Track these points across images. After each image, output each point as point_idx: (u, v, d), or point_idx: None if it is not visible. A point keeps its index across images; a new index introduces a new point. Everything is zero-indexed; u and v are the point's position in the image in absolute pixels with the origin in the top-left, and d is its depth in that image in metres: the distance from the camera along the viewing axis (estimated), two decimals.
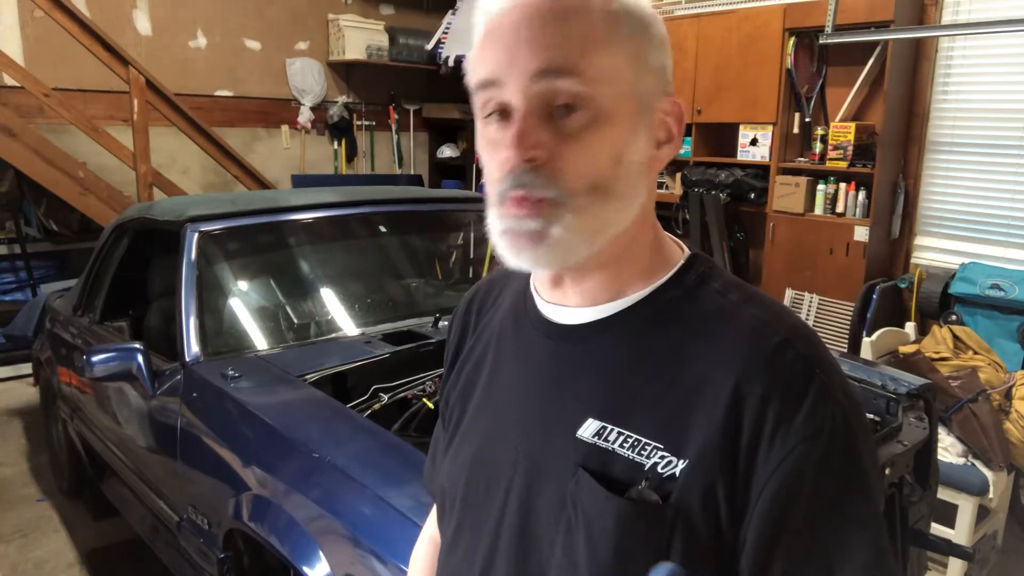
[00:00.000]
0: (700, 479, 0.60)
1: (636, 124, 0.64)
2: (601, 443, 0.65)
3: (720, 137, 4.71)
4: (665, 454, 0.61)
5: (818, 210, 4.17)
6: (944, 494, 2.48)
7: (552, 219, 0.62)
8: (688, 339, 0.65)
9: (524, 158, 0.61)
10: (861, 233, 3.99)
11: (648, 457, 0.62)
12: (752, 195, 4.43)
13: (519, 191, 0.62)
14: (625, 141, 0.63)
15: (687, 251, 0.73)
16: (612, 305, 0.68)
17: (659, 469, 0.61)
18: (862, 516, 0.60)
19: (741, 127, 4.46)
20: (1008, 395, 2.79)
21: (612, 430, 0.64)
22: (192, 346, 2.16)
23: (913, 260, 4.14)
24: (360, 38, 6.12)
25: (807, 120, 4.32)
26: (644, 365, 0.65)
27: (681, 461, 0.61)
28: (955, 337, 3.00)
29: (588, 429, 0.66)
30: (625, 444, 0.63)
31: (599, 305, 0.69)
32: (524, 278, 0.79)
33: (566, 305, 0.71)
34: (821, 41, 3.99)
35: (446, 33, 6.16)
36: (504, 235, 0.64)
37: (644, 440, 0.63)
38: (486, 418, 0.77)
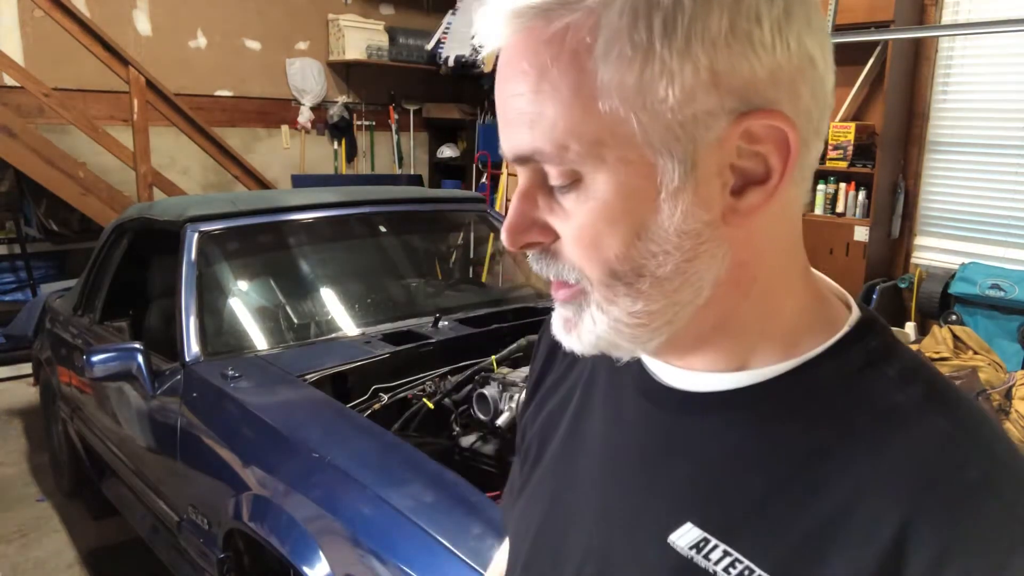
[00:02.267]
0: None
1: (662, 184, 0.45)
2: (699, 559, 0.49)
3: None
4: None
5: (818, 210, 4.17)
6: None
7: (583, 307, 0.50)
8: (839, 442, 0.47)
9: (516, 246, 0.50)
10: (861, 233, 3.99)
11: None
12: None
13: (546, 275, 0.51)
14: (646, 211, 0.45)
15: (856, 313, 0.52)
16: (737, 376, 0.51)
17: None
18: None
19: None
20: (1008, 395, 2.79)
21: (717, 546, 0.48)
22: (192, 346, 2.16)
23: (913, 260, 4.14)
24: (360, 38, 6.12)
25: None
26: (771, 465, 0.48)
27: None
28: (955, 337, 3.00)
29: (685, 537, 0.50)
30: (731, 570, 0.47)
31: (720, 372, 0.51)
32: None
33: (676, 364, 0.54)
34: None
35: (446, 33, 6.16)
36: (552, 320, 0.53)
37: (758, 571, 0.46)
38: (561, 477, 0.62)
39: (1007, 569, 0.41)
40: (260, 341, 2.28)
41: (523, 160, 0.48)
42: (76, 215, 4.94)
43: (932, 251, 4.10)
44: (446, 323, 2.35)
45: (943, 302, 3.80)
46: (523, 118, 0.46)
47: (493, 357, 2.00)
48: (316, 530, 1.51)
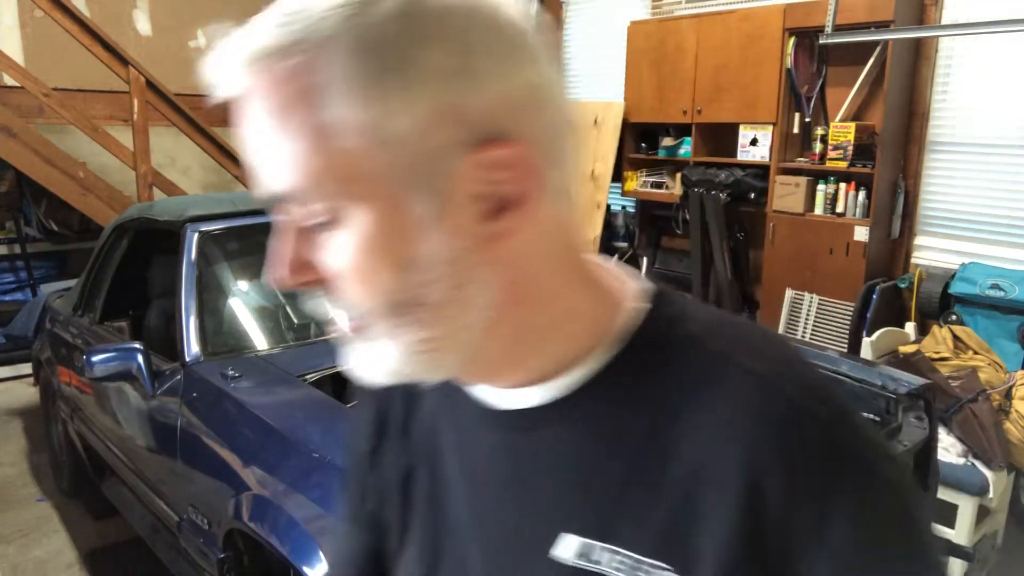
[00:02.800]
0: None
1: (416, 215, 0.45)
2: (588, 565, 0.50)
3: (720, 137, 4.71)
4: (671, 575, 0.48)
5: (818, 210, 4.17)
6: (944, 494, 2.48)
7: (371, 341, 0.49)
8: (670, 416, 0.50)
9: (287, 288, 0.49)
10: (861, 233, 3.99)
11: None
12: (752, 195, 4.43)
13: (330, 313, 0.51)
14: (403, 244, 0.46)
15: (646, 287, 0.55)
16: (558, 383, 0.52)
17: None
18: (920, 556, 0.49)
19: (741, 127, 4.47)
20: (1008, 395, 2.79)
21: (597, 547, 0.50)
22: (192, 346, 2.16)
23: (913, 260, 4.14)
24: None
25: (807, 120, 4.32)
26: (619, 456, 0.51)
27: None
28: (955, 337, 3.00)
29: (567, 548, 0.51)
30: (620, 566, 0.50)
31: (548, 381, 0.53)
32: None
33: (501, 386, 0.55)
34: (821, 41, 3.99)
35: None
36: (349, 355, 0.53)
37: (643, 560, 0.49)
38: (437, 527, 0.62)
39: (843, 473, 0.47)
40: (260, 341, 2.28)
41: (278, 201, 0.48)
42: (76, 215, 4.94)
43: (932, 251, 4.09)
44: None
45: (943, 302, 3.80)
46: (269, 161, 0.46)
47: None
48: (316, 530, 1.51)
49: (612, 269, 0.56)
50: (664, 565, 0.48)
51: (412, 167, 0.44)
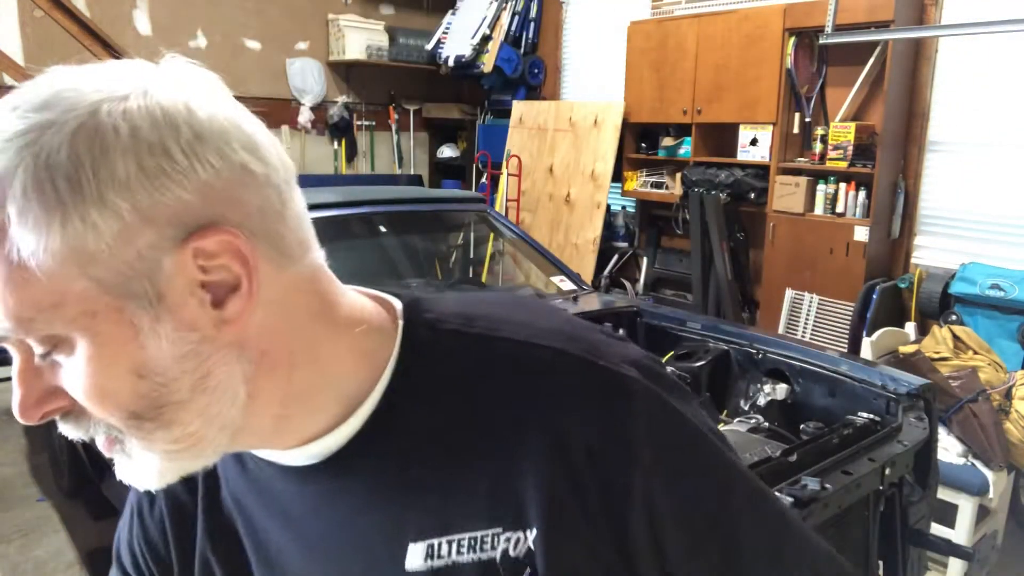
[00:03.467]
0: (561, 536, 0.53)
1: (138, 323, 0.45)
2: (438, 563, 0.54)
3: (720, 137, 4.71)
4: (510, 534, 0.53)
5: (818, 210, 4.17)
6: (944, 494, 2.48)
7: (130, 453, 0.49)
8: (461, 408, 0.54)
9: (35, 420, 0.48)
10: (861, 233, 3.99)
11: (494, 547, 0.53)
12: (752, 195, 4.43)
13: (85, 437, 0.50)
14: (132, 353, 0.45)
15: (399, 303, 0.59)
16: (354, 421, 0.55)
17: (511, 553, 0.53)
18: (723, 467, 0.58)
19: (741, 127, 4.47)
20: (1008, 395, 2.79)
21: (440, 542, 0.54)
22: None
23: (913, 260, 4.14)
24: (360, 38, 6.12)
25: (807, 120, 4.32)
26: (432, 461, 0.54)
27: (529, 531, 0.53)
28: (955, 337, 3.00)
29: (415, 556, 0.55)
30: (463, 548, 0.54)
31: (340, 426, 0.55)
32: None
33: (292, 445, 0.56)
34: (821, 41, 3.99)
35: (446, 33, 6.16)
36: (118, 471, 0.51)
37: (481, 533, 0.54)
38: None
39: (612, 398, 0.54)
40: None
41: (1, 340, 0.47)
42: None
43: (932, 251, 4.10)
44: None
45: (943, 302, 3.80)
46: None
47: None
48: None
49: (369, 294, 0.59)
50: (498, 529, 0.53)
51: (120, 277, 0.44)
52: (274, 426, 0.53)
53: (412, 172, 6.75)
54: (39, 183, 0.42)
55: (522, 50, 5.99)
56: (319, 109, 6.26)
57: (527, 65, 5.98)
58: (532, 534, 0.53)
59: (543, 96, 6.04)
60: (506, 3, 5.89)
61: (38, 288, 0.43)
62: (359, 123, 6.51)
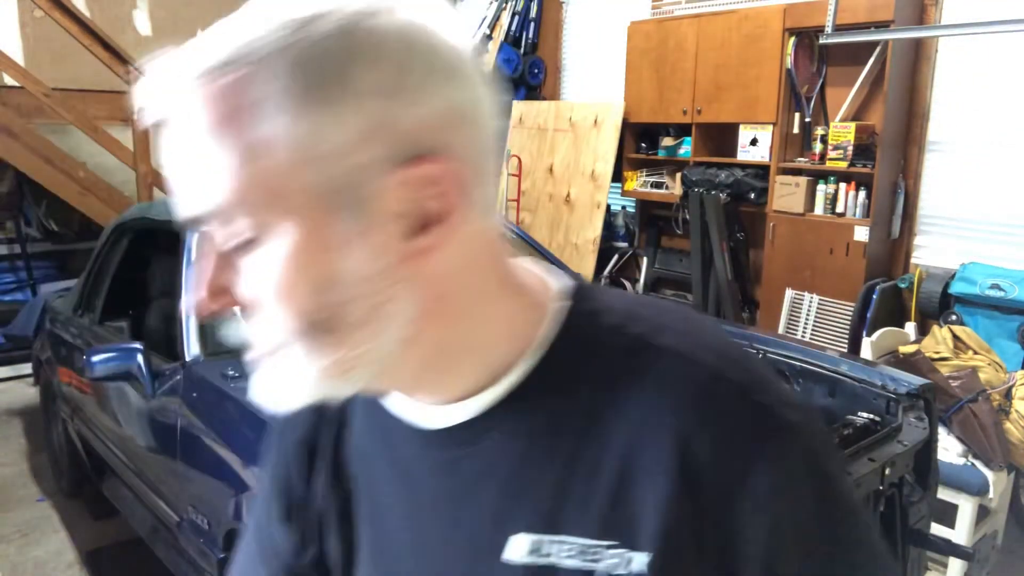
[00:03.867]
0: (672, 566, 0.50)
1: (339, 232, 0.46)
2: (539, 560, 0.52)
3: (720, 137, 4.71)
4: (620, 551, 0.50)
5: (818, 210, 4.17)
6: (944, 494, 2.48)
7: (286, 363, 0.49)
8: (601, 405, 0.52)
9: (205, 313, 0.49)
10: (861, 233, 3.99)
11: (600, 560, 0.51)
12: (752, 195, 4.43)
13: (245, 338, 0.51)
14: (324, 263, 0.46)
15: (565, 285, 0.57)
16: (494, 392, 0.53)
17: (616, 571, 0.50)
18: (855, 535, 0.54)
19: (741, 127, 4.47)
20: (1008, 395, 2.79)
21: (548, 541, 0.52)
22: (192, 346, 2.16)
23: (913, 260, 4.14)
24: None
25: (807, 120, 4.32)
26: (558, 453, 0.52)
27: (642, 554, 0.50)
28: (955, 337, 3.00)
29: (518, 548, 0.53)
30: (569, 553, 0.51)
31: (478, 394, 0.54)
32: None
33: (429, 402, 0.56)
34: (821, 41, 3.99)
35: None
36: (255, 377, 0.52)
37: (591, 543, 0.51)
38: (384, 556, 0.61)
39: (763, 435, 0.50)
40: None
41: (198, 222, 0.48)
42: (76, 215, 4.94)
43: (932, 251, 4.10)
44: None
45: (943, 302, 3.80)
46: (193, 180, 0.46)
47: None
48: None
49: (534, 270, 0.57)
50: (611, 542, 0.50)
51: (339, 184, 0.45)
52: (416, 376, 0.53)
53: None
54: (296, 73, 0.43)
55: (522, 50, 5.99)
56: None
57: (527, 65, 5.98)
58: (644, 558, 0.50)
59: (543, 96, 6.04)
60: (506, 3, 5.89)
61: (266, 174, 0.44)
62: None
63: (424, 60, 0.45)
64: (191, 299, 0.49)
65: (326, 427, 0.65)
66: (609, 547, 0.50)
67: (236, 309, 0.49)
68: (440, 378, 0.53)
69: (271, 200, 0.45)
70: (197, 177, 0.46)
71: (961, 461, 2.61)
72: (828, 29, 3.86)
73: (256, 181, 0.44)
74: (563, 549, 0.51)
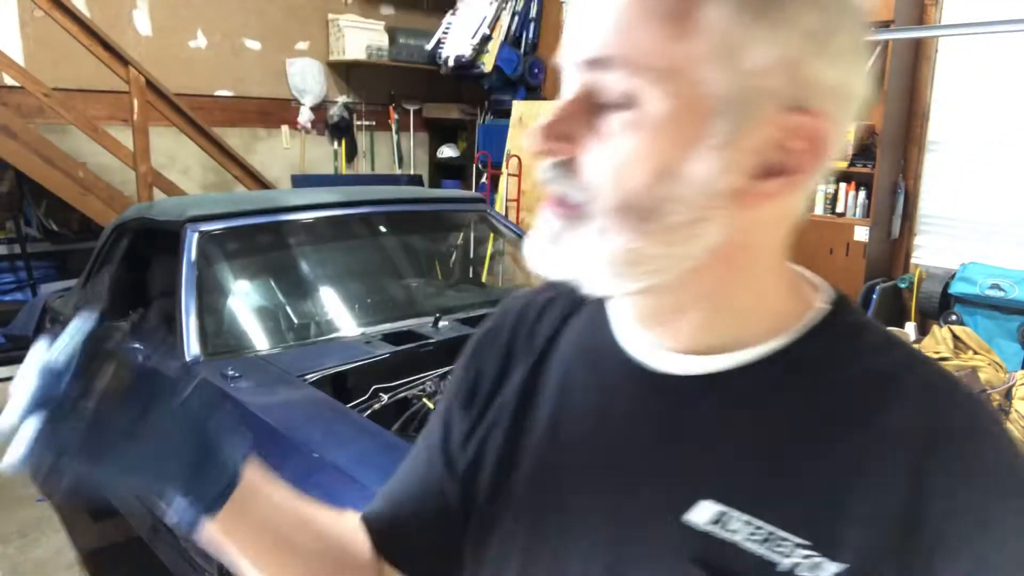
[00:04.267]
0: None
1: (707, 136, 0.46)
2: (720, 532, 0.50)
3: None
4: (811, 553, 0.48)
5: (818, 210, 4.17)
6: None
7: (577, 228, 0.49)
8: (839, 408, 0.51)
9: (541, 149, 0.50)
10: (861, 233, 3.99)
11: (786, 555, 0.48)
12: None
13: (551, 187, 0.51)
14: (681, 156, 0.46)
15: (830, 293, 0.57)
16: (732, 356, 0.53)
17: (803, 572, 0.48)
18: None
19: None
20: (1008, 395, 2.79)
21: (735, 517, 0.50)
22: (192, 346, 2.16)
23: (913, 260, 4.14)
24: (360, 38, 6.11)
25: None
26: (781, 436, 0.51)
27: (834, 564, 0.47)
28: (955, 337, 3.00)
29: (702, 513, 0.51)
30: (755, 536, 0.49)
31: (714, 354, 0.53)
32: (594, 301, 0.62)
33: (666, 346, 0.55)
34: None
35: (446, 33, 6.16)
36: (529, 233, 0.53)
37: (781, 533, 0.48)
38: (553, 480, 0.60)
39: (1008, 492, 0.47)
40: (260, 341, 2.28)
41: (592, 65, 0.48)
42: (76, 215, 4.94)
43: (932, 251, 4.10)
44: (446, 323, 2.35)
45: (943, 302, 3.80)
46: (613, 23, 0.47)
47: None
48: None
49: (803, 272, 0.59)
50: (804, 541, 0.48)
51: (735, 94, 0.46)
52: (675, 311, 0.53)
53: (412, 172, 6.75)
54: None
55: (522, 50, 5.99)
56: (319, 109, 6.26)
57: (527, 65, 5.98)
58: (835, 568, 0.47)
59: (543, 96, 6.04)
60: (506, 3, 5.89)
61: (678, 51, 0.45)
62: (359, 123, 6.51)
63: (851, 29, 0.47)
64: (536, 128, 0.50)
65: (530, 337, 0.65)
66: (801, 545, 0.48)
67: (564, 158, 0.50)
68: (694, 321, 0.53)
69: (669, 76, 0.45)
70: (620, 20, 0.46)
71: None
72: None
73: (668, 55, 0.45)
74: (749, 530, 0.49)
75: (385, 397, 1.97)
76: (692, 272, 0.50)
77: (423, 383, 2.02)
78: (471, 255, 3.32)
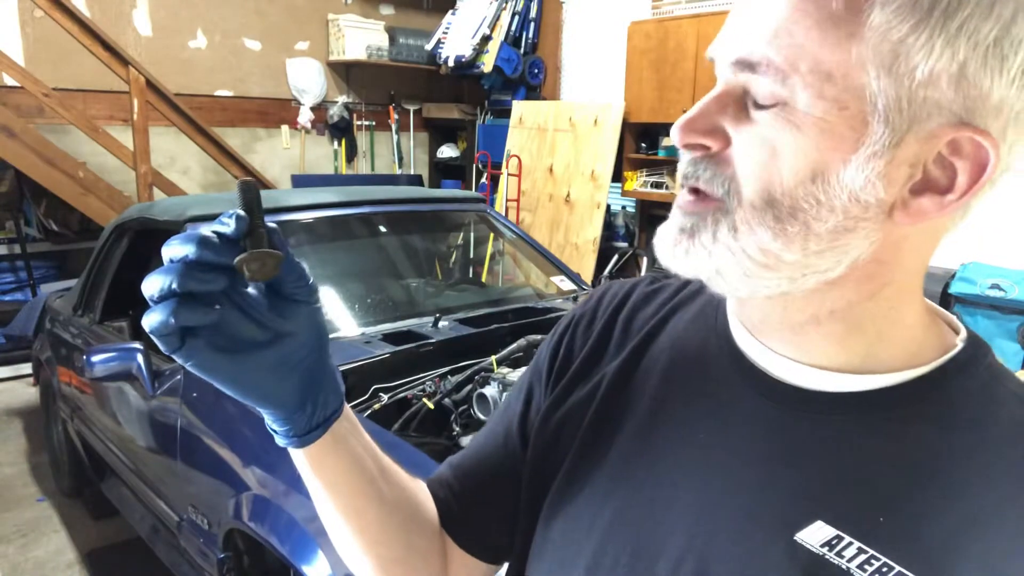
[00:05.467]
0: None
1: (865, 142, 0.44)
2: (832, 557, 0.48)
3: None
4: None
5: None
6: None
7: (712, 223, 0.49)
8: (976, 448, 0.48)
9: (684, 142, 0.49)
10: None
11: None
12: None
13: (689, 181, 0.50)
14: (834, 160, 0.45)
15: (964, 332, 0.55)
16: (867, 379, 0.51)
17: None
18: None
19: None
20: None
21: (851, 544, 0.48)
22: None
23: None
24: (360, 38, 6.12)
25: None
26: (907, 467, 0.49)
27: None
28: None
29: (815, 535, 0.49)
30: (867, 567, 0.47)
31: (850, 372, 0.51)
32: (712, 299, 0.61)
33: (790, 357, 0.53)
34: None
35: (446, 33, 6.16)
36: (661, 227, 0.52)
37: (898, 568, 0.46)
38: (636, 472, 0.58)
39: None
40: None
41: (742, 65, 0.47)
42: (76, 215, 4.94)
43: None
44: (446, 323, 2.35)
45: (943, 302, 3.80)
46: (769, 24, 0.45)
47: (493, 357, 2.00)
48: (316, 530, 1.51)
49: (935, 306, 0.57)
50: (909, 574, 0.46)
51: (897, 103, 0.44)
52: (812, 324, 0.51)
53: (412, 172, 6.75)
54: None
55: (522, 50, 5.99)
56: (319, 109, 6.26)
57: (527, 65, 5.98)
58: None
59: (543, 96, 6.04)
60: (506, 3, 5.89)
61: (836, 55, 0.44)
62: (359, 123, 6.51)
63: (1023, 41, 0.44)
64: (680, 122, 0.49)
65: (629, 322, 0.65)
66: None
67: (705, 153, 0.49)
68: (831, 337, 0.51)
69: (828, 80, 0.44)
70: (777, 21, 0.45)
71: None
72: None
73: (831, 59, 0.44)
74: (863, 560, 0.47)
75: (385, 397, 1.97)
76: (829, 284, 0.49)
77: (423, 383, 2.02)
78: (471, 255, 3.32)
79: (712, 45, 0.50)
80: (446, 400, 1.94)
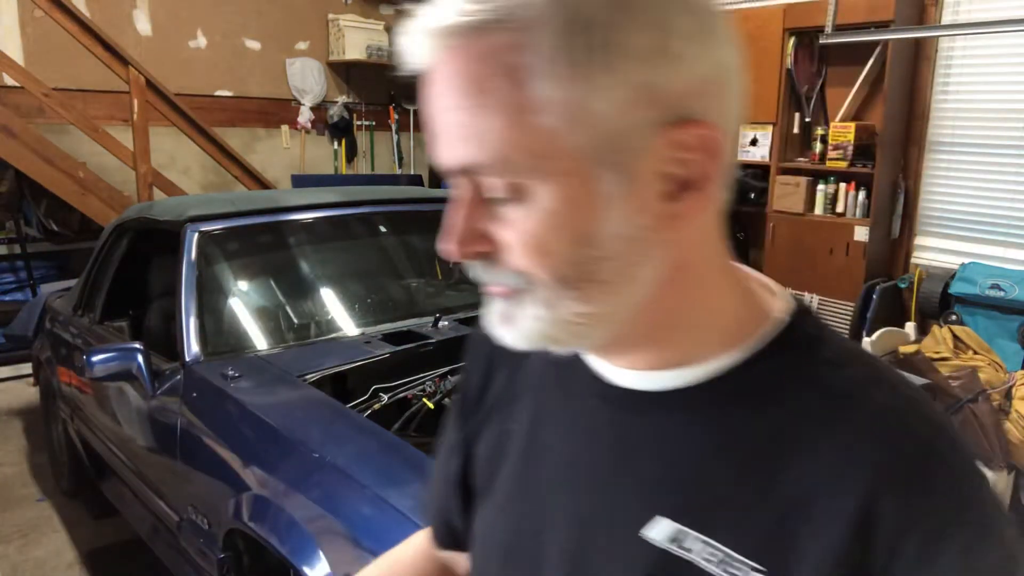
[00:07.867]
0: None
1: (607, 193, 0.46)
2: (677, 550, 0.50)
3: None
4: None
5: (818, 210, 4.17)
6: None
7: (524, 304, 0.50)
8: (794, 428, 0.49)
9: (460, 257, 0.50)
10: (861, 233, 3.99)
11: None
12: (752, 195, 4.43)
13: (488, 285, 0.52)
14: (589, 218, 0.46)
15: (789, 302, 0.55)
16: (687, 372, 0.53)
17: None
18: None
19: (741, 127, 4.46)
20: (1008, 395, 2.79)
21: (693, 537, 0.50)
22: (192, 346, 2.16)
23: (913, 260, 4.14)
24: (360, 38, 6.12)
25: (807, 120, 4.32)
26: (733, 457, 0.50)
27: None
28: (955, 337, 3.00)
29: (659, 530, 0.51)
30: (711, 558, 0.49)
31: (670, 369, 0.53)
32: None
33: (624, 365, 0.55)
34: (821, 41, 3.99)
35: None
36: (485, 312, 0.54)
37: (736, 557, 0.48)
38: (526, 489, 0.61)
39: (965, 524, 0.46)
40: (260, 341, 2.28)
41: (461, 172, 0.48)
42: (76, 215, 4.94)
43: (932, 251, 4.10)
44: (446, 323, 2.35)
45: (943, 302, 3.80)
46: (460, 132, 0.47)
47: None
48: (316, 530, 1.51)
49: (758, 277, 0.57)
50: (758, 567, 0.48)
51: (605, 145, 0.45)
52: (639, 339, 0.53)
53: (412, 172, 6.75)
54: (568, 36, 0.43)
55: None
56: (319, 109, 6.26)
57: None
58: None
59: None
60: None
61: (530, 135, 0.45)
62: (359, 123, 6.51)
63: (688, 22, 0.45)
64: (443, 242, 0.50)
65: (504, 360, 0.67)
66: (755, 570, 0.48)
67: (485, 257, 0.50)
68: (650, 346, 0.53)
69: (536, 160, 0.45)
70: (458, 131, 0.47)
71: None
72: (828, 29, 3.86)
73: (522, 142, 0.45)
74: (706, 551, 0.49)
75: (385, 397, 1.97)
76: (645, 305, 0.50)
77: (423, 383, 2.02)
78: None
79: (433, 154, 0.51)
80: (446, 400, 1.94)
